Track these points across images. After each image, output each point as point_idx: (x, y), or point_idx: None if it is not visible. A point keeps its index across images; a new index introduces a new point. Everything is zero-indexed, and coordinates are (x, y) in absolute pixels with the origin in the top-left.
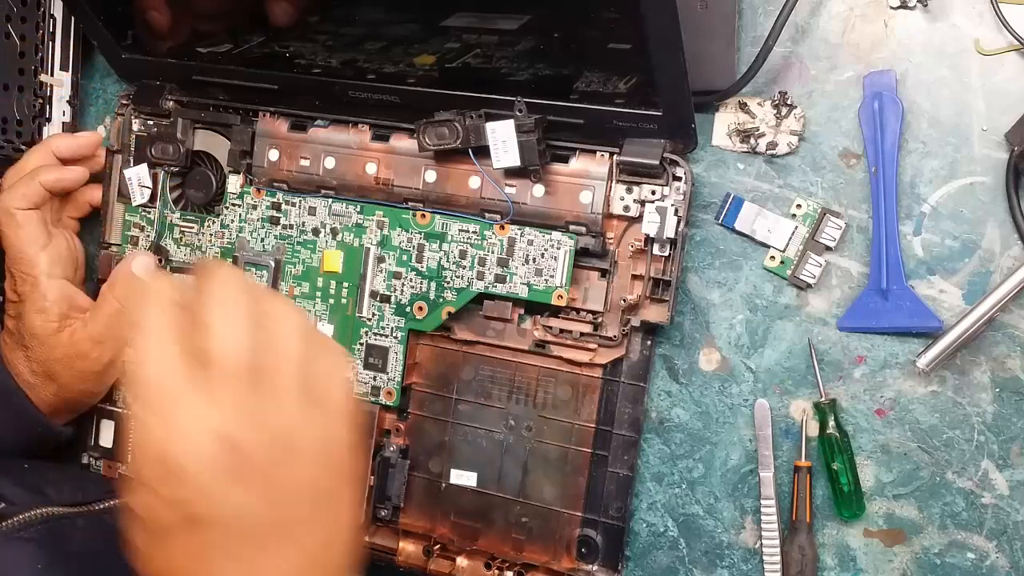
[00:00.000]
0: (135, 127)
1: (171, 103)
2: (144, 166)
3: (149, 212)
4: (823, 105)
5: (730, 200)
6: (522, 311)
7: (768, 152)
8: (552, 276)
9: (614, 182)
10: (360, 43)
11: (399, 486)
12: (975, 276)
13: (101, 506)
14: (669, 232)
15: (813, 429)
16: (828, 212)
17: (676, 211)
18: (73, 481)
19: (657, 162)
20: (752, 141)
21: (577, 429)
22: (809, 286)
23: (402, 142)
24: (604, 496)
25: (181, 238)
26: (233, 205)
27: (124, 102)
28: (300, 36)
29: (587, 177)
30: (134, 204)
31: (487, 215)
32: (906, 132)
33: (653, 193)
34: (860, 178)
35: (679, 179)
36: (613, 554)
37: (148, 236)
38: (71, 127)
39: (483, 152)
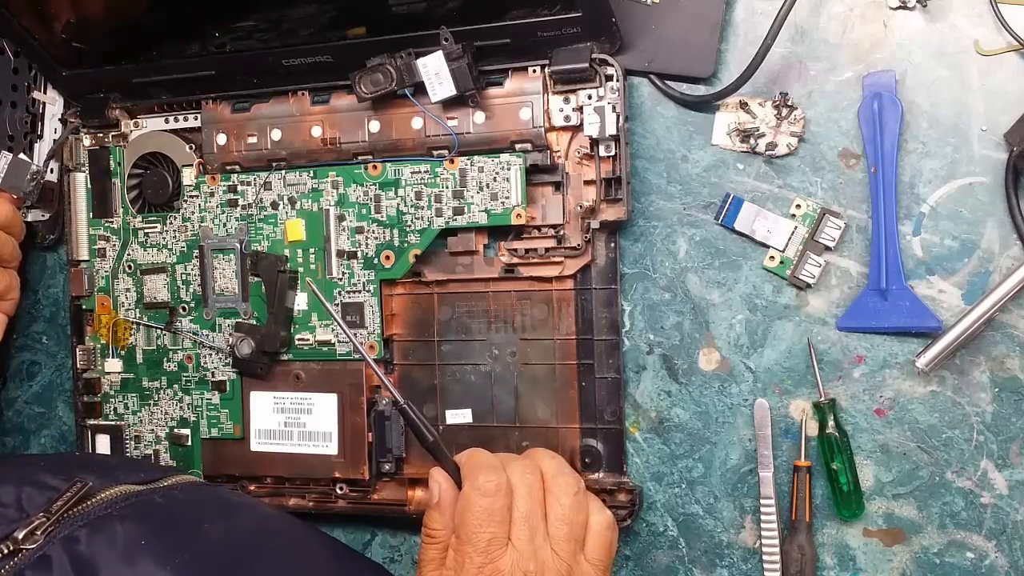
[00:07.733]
0: (87, 142)
1: (116, 111)
2: None
3: (112, 222)
4: (822, 105)
5: (730, 200)
6: (486, 241)
7: (767, 152)
8: (508, 197)
9: (550, 94)
10: (282, 14)
11: (398, 437)
12: (974, 276)
13: (168, 483)
14: (611, 130)
15: (813, 429)
16: (828, 212)
17: (614, 108)
18: (131, 464)
19: (587, 65)
20: (752, 141)
21: (559, 344)
22: (809, 286)
23: (342, 100)
24: (597, 403)
25: (147, 240)
26: (191, 197)
27: (72, 120)
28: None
29: (523, 95)
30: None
31: (435, 152)
32: (905, 132)
33: (589, 97)
34: (859, 178)
35: (611, 78)
36: (616, 458)
37: (115, 246)
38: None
39: (420, 91)
